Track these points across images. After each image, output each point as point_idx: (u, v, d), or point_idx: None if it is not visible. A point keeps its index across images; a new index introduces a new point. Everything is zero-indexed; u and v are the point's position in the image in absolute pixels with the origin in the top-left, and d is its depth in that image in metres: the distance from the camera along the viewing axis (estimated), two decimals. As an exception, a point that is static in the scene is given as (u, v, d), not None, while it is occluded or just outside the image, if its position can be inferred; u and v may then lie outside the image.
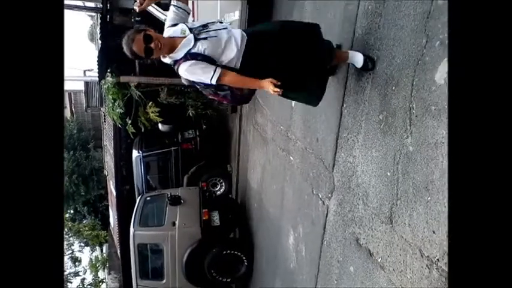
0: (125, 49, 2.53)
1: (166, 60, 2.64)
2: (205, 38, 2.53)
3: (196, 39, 2.52)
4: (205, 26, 2.59)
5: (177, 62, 2.57)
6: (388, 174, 2.53)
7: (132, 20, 6.80)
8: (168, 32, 2.63)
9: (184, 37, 2.54)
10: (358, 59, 2.79)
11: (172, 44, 2.55)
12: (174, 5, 2.63)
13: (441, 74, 2.08)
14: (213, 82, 2.54)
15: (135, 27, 2.59)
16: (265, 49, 2.61)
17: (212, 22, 2.64)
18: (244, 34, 2.63)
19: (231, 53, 2.55)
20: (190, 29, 2.56)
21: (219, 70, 2.52)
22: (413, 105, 2.29)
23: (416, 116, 2.27)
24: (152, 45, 2.45)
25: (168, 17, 2.70)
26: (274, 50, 2.60)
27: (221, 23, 2.68)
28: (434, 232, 2.14)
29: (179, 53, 2.54)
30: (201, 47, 2.51)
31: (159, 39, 2.48)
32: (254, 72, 2.59)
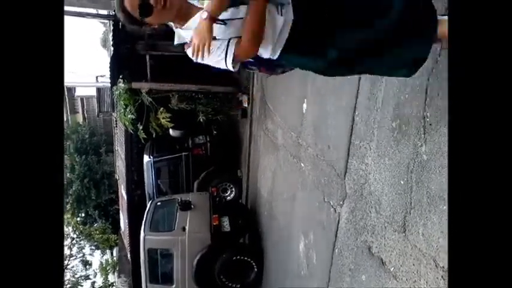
0: (115, 6, 1.67)
1: (177, 34, 1.76)
2: (224, 23, 1.63)
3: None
4: (235, 3, 1.63)
5: (183, 43, 1.76)
6: (402, 182, 2.51)
7: (144, 27, 6.87)
8: None
9: (201, 8, 1.63)
10: None
11: (186, 9, 1.67)
12: None
13: (456, 82, 2.06)
14: (230, 67, 1.69)
15: None
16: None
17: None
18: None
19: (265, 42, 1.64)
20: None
21: (231, 48, 1.65)
22: (428, 114, 2.27)
23: (430, 125, 2.24)
24: (152, 0, 1.54)
25: None
26: None
27: None
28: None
29: (185, 33, 1.71)
30: (217, 32, 1.63)
31: None
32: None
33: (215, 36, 1.63)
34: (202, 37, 1.57)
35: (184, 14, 1.67)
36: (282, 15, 1.62)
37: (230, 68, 1.69)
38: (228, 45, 1.65)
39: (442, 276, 2.15)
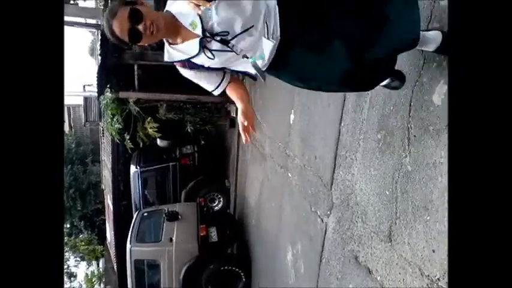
0: (104, 27, 1.69)
1: (167, 50, 1.78)
2: (214, 51, 1.66)
3: (203, 48, 1.65)
4: (224, 38, 1.63)
5: (172, 61, 1.79)
6: (387, 193, 2.55)
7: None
8: (173, 7, 1.71)
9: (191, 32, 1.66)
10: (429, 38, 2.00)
11: (174, 28, 1.69)
12: None
13: (439, 95, 2.12)
14: (216, 93, 1.85)
15: None
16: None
17: (245, 31, 1.61)
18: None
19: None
20: (204, 29, 1.62)
21: (224, 85, 1.80)
22: (412, 125, 2.32)
23: (414, 136, 2.30)
24: (141, 26, 1.58)
25: None
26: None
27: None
28: (434, 251, 2.14)
29: (176, 54, 1.74)
30: (205, 61, 1.69)
31: (153, 20, 1.59)
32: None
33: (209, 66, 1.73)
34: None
35: (173, 31, 1.70)
36: (271, 38, 1.65)
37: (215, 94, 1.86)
38: (222, 80, 1.80)
39: (427, 285, 2.18)
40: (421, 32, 1.81)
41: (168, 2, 1.74)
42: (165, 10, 1.74)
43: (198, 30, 1.64)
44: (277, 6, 1.63)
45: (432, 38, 1.99)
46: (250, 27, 1.62)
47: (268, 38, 1.64)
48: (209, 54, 1.66)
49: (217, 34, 1.63)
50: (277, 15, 1.63)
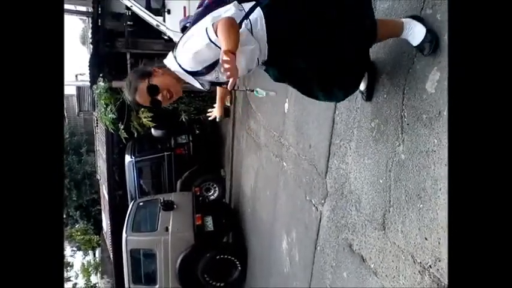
0: (129, 98, 2.01)
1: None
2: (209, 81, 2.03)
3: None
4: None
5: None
6: (381, 181, 2.56)
7: (124, 24, 6.79)
8: (175, 66, 1.96)
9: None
10: (417, 31, 2.10)
11: (183, 82, 1.99)
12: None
13: (432, 82, 2.11)
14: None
15: (138, 68, 2.03)
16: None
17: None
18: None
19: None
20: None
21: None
22: (405, 114, 2.32)
23: (408, 124, 2.29)
24: (159, 97, 1.92)
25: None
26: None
27: None
28: (426, 239, 2.16)
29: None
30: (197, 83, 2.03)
31: (168, 88, 1.92)
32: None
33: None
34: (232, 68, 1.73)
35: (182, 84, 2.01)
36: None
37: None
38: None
39: (419, 272, 2.20)
40: (408, 20, 2.10)
41: (170, 58, 1.95)
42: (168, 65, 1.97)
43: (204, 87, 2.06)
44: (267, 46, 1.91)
45: (416, 33, 2.11)
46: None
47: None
48: (206, 86, 2.05)
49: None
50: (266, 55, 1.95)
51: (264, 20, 1.87)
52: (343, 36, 1.94)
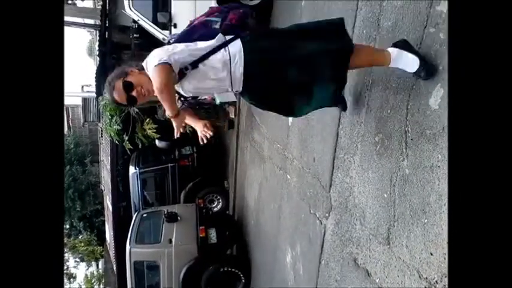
0: (107, 96, 2.21)
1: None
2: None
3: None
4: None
5: None
6: (385, 195, 2.56)
7: (131, 37, 6.88)
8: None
9: None
10: (407, 61, 2.18)
11: None
12: None
13: (435, 99, 2.13)
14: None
15: (117, 68, 2.21)
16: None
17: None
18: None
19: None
20: (180, 95, 2.27)
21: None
22: (409, 129, 2.33)
23: (411, 139, 2.31)
24: (134, 93, 2.08)
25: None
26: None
27: None
28: (432, 254, 2.15)
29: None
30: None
31: (142, 85, 2.08)
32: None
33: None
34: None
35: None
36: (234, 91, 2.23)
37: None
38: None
39: (425, 287, 2.19)
40: (397, 51, 2.22)
41: (146, 66, 2.11)
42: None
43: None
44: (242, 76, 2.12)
45: (410, 62, 2.19)
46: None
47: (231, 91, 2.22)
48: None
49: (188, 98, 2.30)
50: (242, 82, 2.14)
51: (243, 53, 2.07)
52: (315, 69, 2.14)
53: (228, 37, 2.13)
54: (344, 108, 2.89)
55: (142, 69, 2.14)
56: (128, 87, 2.07)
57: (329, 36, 2.15)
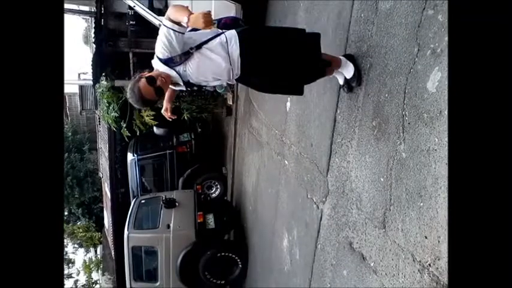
0: (137, 104, 2.47)
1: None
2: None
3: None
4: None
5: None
6: (382, 179, 2.57)
7: (127, 24, 6.80)
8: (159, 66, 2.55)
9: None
10: (348, 69, 2.83)
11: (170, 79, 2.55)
12: None
13: (433, 82, 2.12)
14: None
15: (132, 79, 2.53)
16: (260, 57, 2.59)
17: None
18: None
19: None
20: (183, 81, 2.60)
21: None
22: (406, 113, 2.33)
23: (409, 123, 2.31)
24: (158, 82, 2.38)
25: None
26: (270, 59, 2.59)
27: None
28: (426, 237, 2.17)
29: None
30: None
31: (159, 75, 2.41)
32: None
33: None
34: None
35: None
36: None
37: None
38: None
39: (418, 270, 2.22)
40: (342, 57, 2.85)
41: (154, 63, 2.48)
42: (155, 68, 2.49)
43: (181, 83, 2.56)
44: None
45: (346, 69, 2.84)
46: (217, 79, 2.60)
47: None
48: (180, 80, 2.52)
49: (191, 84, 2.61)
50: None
51: (237, 38, 2.45)
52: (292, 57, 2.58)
53: (224, 30, 2.52)
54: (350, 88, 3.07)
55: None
56: (151, 80, 2.36)
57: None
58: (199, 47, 2.41)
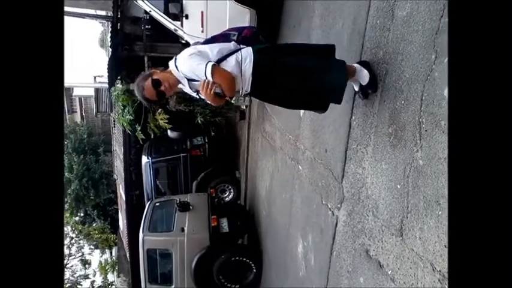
0: (139, 98, 2.57)
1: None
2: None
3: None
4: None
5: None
6: (398, 187, 2.54)
7: (142, 28, 6.89)
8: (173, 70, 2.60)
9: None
10: (363, 77, 2.82)
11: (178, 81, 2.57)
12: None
13: (451, 89, 2.09)
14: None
15: (141, 74, 2.60)
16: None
17: None
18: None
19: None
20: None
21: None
22: (423, 120, 2.30)
23: (426, 131, 2.28)
24: (162, 87, 2.47)
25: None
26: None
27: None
28: (446, 246, 2.14)
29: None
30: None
31: (167, 80, 2.48)
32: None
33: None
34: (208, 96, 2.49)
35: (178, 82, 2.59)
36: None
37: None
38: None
39: (439, 280, 2.18)
40: (356, 64, 2.83)
41: (171, 65, 2.52)
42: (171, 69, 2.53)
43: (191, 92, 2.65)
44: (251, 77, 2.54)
45: (361, 76, 2.82)
46: None
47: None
48: (193, 89, 2.58)
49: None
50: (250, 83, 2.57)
51: (252, 57, 2.51)
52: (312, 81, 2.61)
53: (242, 46, 2.60)
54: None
55: (161, 70, 2.58)
56: (156, 83, 2.46)
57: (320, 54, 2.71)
58: (220, 61, 2.49)
